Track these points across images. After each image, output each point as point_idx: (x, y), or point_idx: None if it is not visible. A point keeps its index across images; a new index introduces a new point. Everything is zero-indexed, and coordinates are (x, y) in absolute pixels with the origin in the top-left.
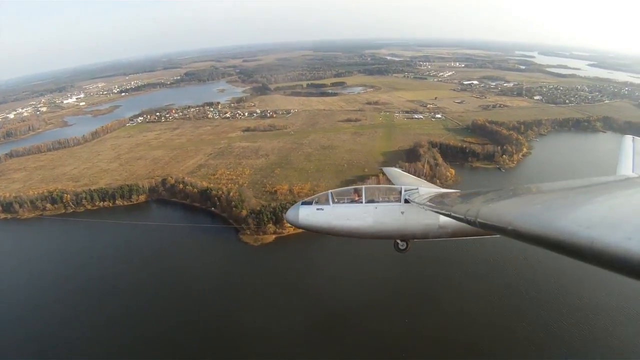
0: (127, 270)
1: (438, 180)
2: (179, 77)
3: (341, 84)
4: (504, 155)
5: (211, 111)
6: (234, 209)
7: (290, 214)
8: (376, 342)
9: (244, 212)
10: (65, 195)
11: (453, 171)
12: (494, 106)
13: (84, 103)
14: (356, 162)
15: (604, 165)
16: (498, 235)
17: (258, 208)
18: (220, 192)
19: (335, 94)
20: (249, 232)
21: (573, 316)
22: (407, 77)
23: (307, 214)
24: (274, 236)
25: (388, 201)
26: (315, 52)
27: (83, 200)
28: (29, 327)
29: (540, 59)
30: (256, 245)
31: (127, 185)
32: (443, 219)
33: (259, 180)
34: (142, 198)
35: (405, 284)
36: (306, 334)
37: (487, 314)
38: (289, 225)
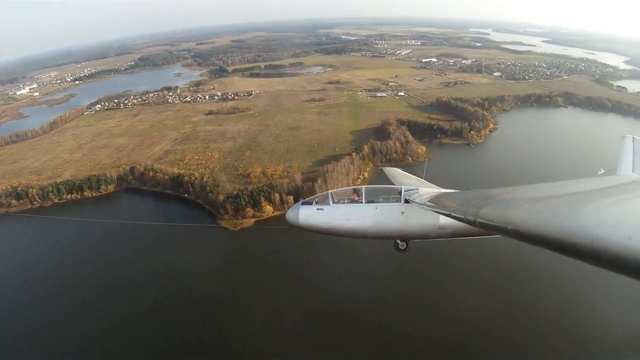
0: (108, 267)
1: (410, 158)
2: (133, 63)
3: (299, 64)
4: (471, 132)
5: (171, 95)
6: (209, 194)
7: (290, 215)
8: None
9: (221, 197)
10: (31, 189)
11: (424, 148)
12: (455, 83)
13: (37, 93)
14: (326, 142)
15: (569, 138)
16: (498, 236)
17: (235, 192)
18: (193, 178)
19: (294, 75)
20: (227, 217)
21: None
22: (365, 55)
23: (307, 215)
24: (253, 220)
25: (388, 201)
26: (269, 33)
27: (50, 194)
28: None
29: (495, 36)
30: (236, 230)
31: (95, 176)
32: (443, 219)
33: (229, 163)
34: (111, 188)
35: (392, 260)
36: (291, 315)
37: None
38: (273, 209)
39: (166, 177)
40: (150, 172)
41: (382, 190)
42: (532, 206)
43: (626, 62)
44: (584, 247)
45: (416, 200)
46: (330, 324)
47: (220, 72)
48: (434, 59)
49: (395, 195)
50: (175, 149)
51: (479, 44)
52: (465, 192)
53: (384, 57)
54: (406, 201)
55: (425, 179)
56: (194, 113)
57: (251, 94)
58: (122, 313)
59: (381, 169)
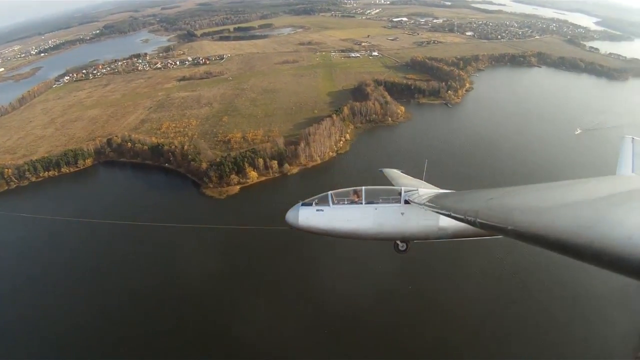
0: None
1: (390, 118)
2: (98, 31)
3: (269, 25)
4: (449, 91)
5: (140, 63)
6: (191, 162)
7: (290, 216)
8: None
9: (204, 165)
10: (6, 170)
11: (403, 108)
12: (428, 43)
13: (2, 69)
14: (304, 105)
15: (545, 97)
16: (499, 236)
17: (218, 159)
18: (174, 147)
19: (265, 36)
20: (211, 186)
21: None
22: (335, 15)
23: (307, 216)
24: (238, 187)
25: (388, 202)
26: None
27: (26, 173)
28: None
29: None
30: (222, 198)
31: (72, 151)
32: (443, 220)
33: (208, 130)
34: (88, 162)
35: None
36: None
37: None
38: (258, 174)
39: (145, 147)
40: (128, 143)
41: (382, 191)
42: (532, 206)
43: (597, 23)
44: (584, 247)
45: (416, 201)
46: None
47: (189, 37)
48: (405, 19)
49: (395, 196)
50: (151, 118)
51: (449, 3)
52: (465, 192)
53: (354, 17)
54: (406, 202)
55: (425, 180)
56: (166, 80)
57: (223, 58)
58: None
59: (380, 170)
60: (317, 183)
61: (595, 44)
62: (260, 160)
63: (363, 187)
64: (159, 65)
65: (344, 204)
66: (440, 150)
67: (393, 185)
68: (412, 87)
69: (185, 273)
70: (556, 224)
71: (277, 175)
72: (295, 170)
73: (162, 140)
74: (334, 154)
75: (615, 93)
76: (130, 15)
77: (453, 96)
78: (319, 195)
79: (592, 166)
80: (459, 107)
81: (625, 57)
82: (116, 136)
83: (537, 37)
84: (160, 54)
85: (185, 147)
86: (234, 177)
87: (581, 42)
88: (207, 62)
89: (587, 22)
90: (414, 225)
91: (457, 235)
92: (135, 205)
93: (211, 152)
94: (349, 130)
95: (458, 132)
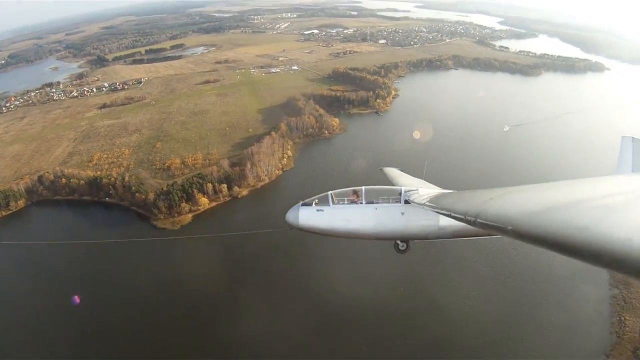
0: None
1: (326, 131)
2: (3, 61)
3: (180, 46)
4: (377, 100)
5: (55, 92)
6: (136, 194)
7: (290, 216)
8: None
9: (152, 196)
10: None
11: (337, 120)
12: (344, 53)
13: None
14: (236, 124)
15: (468, 96)
16: (499, 235)
17: (164, 188)
18: (113, 179)
19: (179, 57)
20: (162, 217)
21: None
22: (245, 32)
23: (307, 216)
24: (190, 215)
25: (388, 202)
26: (139, 17)
27: None
28: None
29: (368, 4)
30: (176, 229)
31: (1, 192)
32: (443, 220)
33: (143, 158)
34: (21, 204)
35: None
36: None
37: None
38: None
39: (81, 182)
40: (62, 179)
41: (382, 191)
42: (531, 206)
43: (500, 23)
44: (584, 247)
45: (416, 201)
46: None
47: (100, 62)
48: (315, 31)
49: (395, 196)
50: (79, 150)
51: (355, 13)
52: (465, 192)
53: (264, 32)
54: (406, 202)
55: (425, 180)
56: (85, 108)
57: (141, 82)
58: None
59: (381, 169)
60: (271, 202)
61: (503, 42)
62: (209, 185)
63: (363, 187)
64: (75, 94)
65: (344, 203)
66: (384, 156)
67: (393, 185)
68: (342, 99)
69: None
70: (556, 224)
71: (227, 199)
72: (245, 192)
73: (97, 173)
74: (280, 172)
75: (532, 88)
76: (34, 42)
77: (382, 104)
78: (319, 195)
79: (527, 159)
80: (389, 114)
81: (535, 53)
82: (47, 172)
83: (447, 40)
84: (74, 82)
85: (126, 178)
86: (185, 206)
87: (490, 42)
88: (126, 87)
89: (490, 22)
90: (414, 225)
91: (457, 235)
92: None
93: (153, 181)
94: (289, 147)
95: (394, 138)
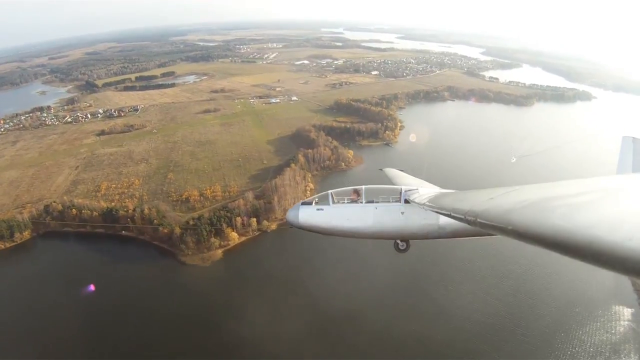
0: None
1: (343, 163)
2: None
3: (171, 73)
4: (387, 132)
5: (46, 117)
6: (159, 228)
7: (290, 215)
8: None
9: (177, 230)
10: None
11: (352, 152)
12: (340, 84)
13: None
14: (249, 155)
15: (473, 128)
16: (498, 235)
17: (191, 222)
18: (130, 211)
19: (172, 85)
20: (190, 253)
21: None
22: (235, 61)
23: (307, 215)
24: (220, 251)
25: (388, 201)
26: (122, 44)
27: None
28: None
29: (350, 35)
30: (207, 265)
31: (4, 222)
32: (443, 219)
33: (156, 189)
34: (26, 235)
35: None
36: None
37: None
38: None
39: (95, 213)
40: (73, 210)
41: (382, 191)
42: (531, 206)
43: (483, 53)
44: (584, 247)
45: (416, 201)
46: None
47: (90, 87)
48: (306, 61)
49: (395, 196)
50: (83, 178)
51: (340, 44)
52: (465, 192)
53: (255, 62)
54: (406, 201)
55: (425, 180)
56: (82, 134)
57: (137, 109)
58: None
59: (381, 169)
60: (304, 237)
61: (491, 73)
62: (238, 219)
63: (363, 186)
64: (69, 119)
65: (344, 203)
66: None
67: (393, 185)
68: (351, 130)
69: None
70: (556, 224)
71: (256, 233)
72: (273, 226)
73: (111, 204)
74: None
75: (528, 118)
76: (17, 65)
77: (392, 136)
78: (319, 194)
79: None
80: (399, 146)
81: (525, 83)
82: (54, 201)
83: (437, 71)
84: (65, 107)
85: (145, 210)
86: (215, 241)
87: (479, 72)
88: (122, 114)
89: (473, 53)
90: (414, 225)
91: (457, 234)
92: (108, 287)
93: (174, 214)
94: (309, 179)
95: (413, 170)
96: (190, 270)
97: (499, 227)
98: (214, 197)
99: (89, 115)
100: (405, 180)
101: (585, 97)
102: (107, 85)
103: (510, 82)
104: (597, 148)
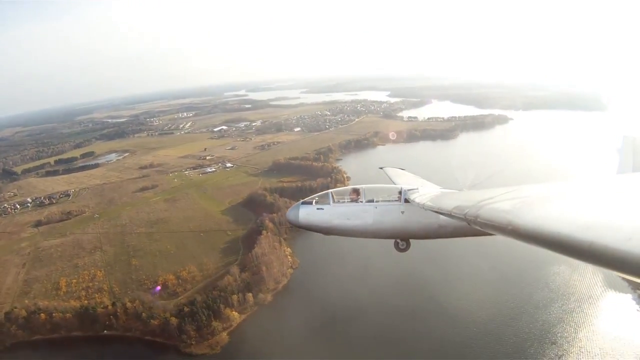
0: None
1: None
2: None
3: (91, 154)
4: (338, 185)
5: None
6: (150, 321)
7: (290, 214)
8: None
9: (173, 320)
10: None
11: None
12: (268, 145)
13: None
14: (209, 229)
15: (412, 167)
16: (498, 235)
17: (186, 309)
18: (109, 307)
19: (96, 165)
20: (193, 342)
21: None
22: (152, 135)
23: (308, 214)
24: (225, 333)
25: (388, 201)
26: (28, 127)
27: None
28: None
29: (255, 96)
30: (217, 352)
31: None
32: (443, 219)
33: (124, 279)
34: None
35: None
36: None
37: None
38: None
39: (68, 314)
40: (41, 314)
41: (382, 190)
42: (531, 206)
43: (389, 96)
44: (584, 247)
45: (416, 200)
46: None
47: (9, 175)
48: (224, 127)
49: (395, 195)
50: (35, 277)
51: (249, 106)
52: (465, 192)
53: (172, 133)
54: (406, 201)
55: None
56: (17, 227)
57: (69, 194)
58: None
59: (381, 168)
60: (308, 302)
61: (406, 113)
62: (234, 297)
63: (363, 186)
64: None
65: (344, 202)
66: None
67: (393, 184)
68: (303, 189)
69: None
70: (556, 224)
71: (255, 308)
72: (269, 297)
73: (78, 302)
74: (292, 270)
75: (459, 149)
76: None
77: None
78: (320, 193)
79: None
80: None
81: (443, 117)
82: (16, 307)
83: (356, 119)
84: None
85: (128, 303)
86: (217, 324)
87: (396, 114)
88: (54, 202)
89: (381, 96)
90: (414, 224)
91: (456, 234)
92: None
93: (160, 302)
94: (284, 244)
95: None
96: None
97: (499, 227)
98: (192, 278)
99: (17, 206)
100: (406, 179)
101: (502, 120)
102: (26, 171)
103: (429, 118)
104: (536, 164)
